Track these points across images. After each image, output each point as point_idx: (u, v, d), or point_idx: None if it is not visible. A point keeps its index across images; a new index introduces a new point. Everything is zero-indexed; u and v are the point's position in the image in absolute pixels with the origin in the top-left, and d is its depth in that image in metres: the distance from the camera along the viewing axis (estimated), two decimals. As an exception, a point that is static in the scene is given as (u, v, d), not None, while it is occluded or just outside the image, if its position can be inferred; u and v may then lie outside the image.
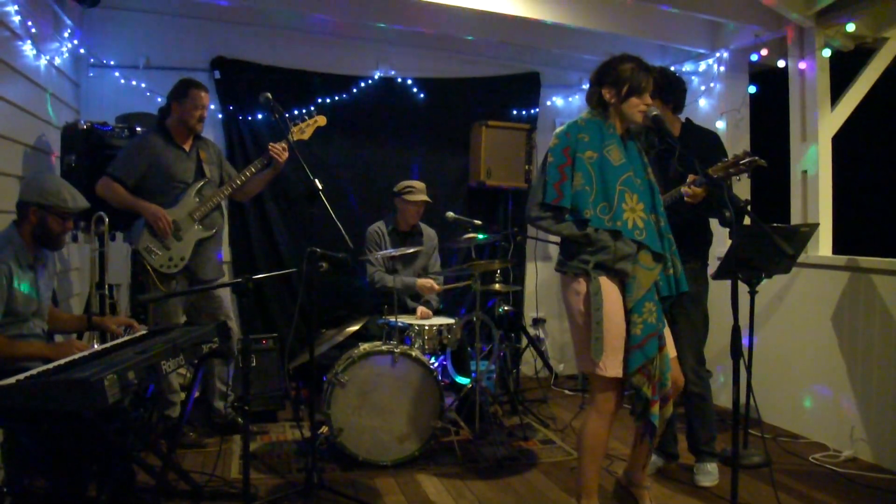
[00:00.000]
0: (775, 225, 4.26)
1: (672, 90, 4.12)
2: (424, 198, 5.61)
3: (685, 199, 3.77)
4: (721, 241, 4.83)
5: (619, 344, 3.21)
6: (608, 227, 3.19)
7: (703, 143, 4.17)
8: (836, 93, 5.35)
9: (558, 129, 3.36)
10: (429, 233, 5.86)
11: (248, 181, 4.84)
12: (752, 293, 4.37)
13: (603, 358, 3.19)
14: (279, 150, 4.76)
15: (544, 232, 3.40)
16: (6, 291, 3.38)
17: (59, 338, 4.12)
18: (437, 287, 5.56)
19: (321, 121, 4.98)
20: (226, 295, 4.92)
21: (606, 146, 3.27)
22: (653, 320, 3.21)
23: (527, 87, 7.08)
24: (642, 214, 3.24)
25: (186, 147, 4.75)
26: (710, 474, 4.20)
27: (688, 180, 3.74)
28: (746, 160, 3.68)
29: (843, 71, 5.38)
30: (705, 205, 3.77)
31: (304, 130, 4.88)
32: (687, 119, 4.28)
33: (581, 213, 3.21)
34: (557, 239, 3.43)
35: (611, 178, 3.22)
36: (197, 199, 4.69)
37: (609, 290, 3.22)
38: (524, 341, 6.74)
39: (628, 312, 3.22)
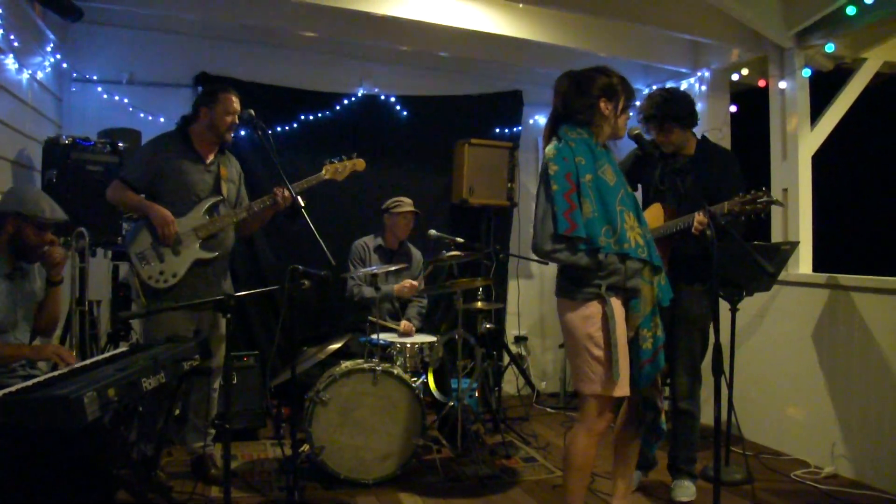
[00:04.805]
0: (756, 243, 4.30)
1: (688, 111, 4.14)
2: (412, 208, 5.64)
3: (692, 231, 3.81)
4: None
5: (627, 363, 3.19)
6: (616, 251, 3.14)
7: (718, 162, 4.16)
8: (816, 112, 5.41)
9: (550, 153, 3.24)
10: (415, 254, 5.88)
11: (251, 217, 4.47)
12: (734, 311, 4.40)
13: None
14: (282, 196, 4.35)
15: (559, 264, 3.27)
16: None
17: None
18: (416, 284, 5.58)
19: (360, 165, 4.71)
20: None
21: (600, 167, 3.20)
22: (660, 333, 3.25)
23: (509, 106, 7.11)
24: (640, 231, 3.22)
25: (207, 159, 4.37)
26: (687, 488, 4.20)
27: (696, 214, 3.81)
28: (765, 199, 3.69)
29: (822, 90, 5.45)
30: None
31: (339, 171, 4.62)
32: (703, 136, 4.29)
33: (595, 241, 3.11)
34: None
35: (609, 200, 3.16)
36: (206, 217, 4.32)
37: (619, 311, 3.17)
38: (506, 359, 6.73)
39: (637, 328, 3.20)
